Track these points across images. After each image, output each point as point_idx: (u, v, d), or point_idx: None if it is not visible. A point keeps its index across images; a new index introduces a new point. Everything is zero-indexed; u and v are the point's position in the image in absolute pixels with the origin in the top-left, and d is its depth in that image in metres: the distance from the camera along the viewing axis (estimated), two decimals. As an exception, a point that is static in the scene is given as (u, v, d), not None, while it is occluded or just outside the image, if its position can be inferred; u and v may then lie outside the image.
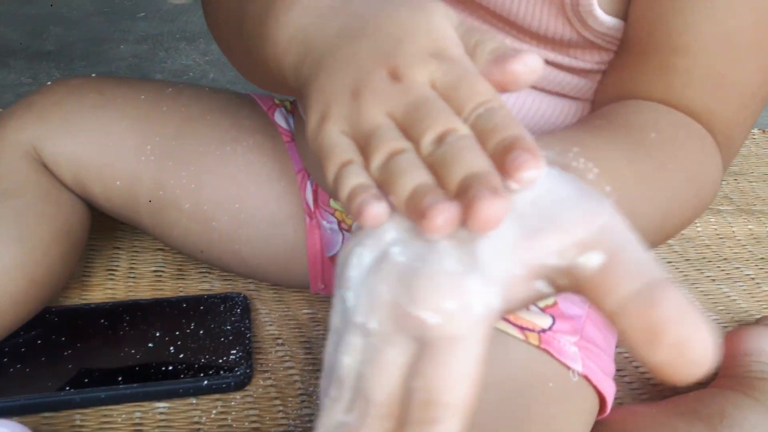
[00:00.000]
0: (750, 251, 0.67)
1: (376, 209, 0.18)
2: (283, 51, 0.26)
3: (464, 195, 0.17)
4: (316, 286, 0.54)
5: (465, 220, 0.17)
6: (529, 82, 0.21)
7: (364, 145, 0.20)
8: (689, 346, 0.15)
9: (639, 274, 0.17)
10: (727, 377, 0.47)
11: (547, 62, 0.37)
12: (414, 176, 0.19)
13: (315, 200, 0.52)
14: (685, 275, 0.62)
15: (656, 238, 0.31)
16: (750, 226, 0.71)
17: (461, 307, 0.17)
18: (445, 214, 0.17)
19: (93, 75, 0.50)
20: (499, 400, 0.33)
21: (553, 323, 0.38)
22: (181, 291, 0.57)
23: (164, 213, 0.51)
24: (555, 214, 0.18)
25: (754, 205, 0.75)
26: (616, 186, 0.23)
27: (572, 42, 0.36)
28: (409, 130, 0.20)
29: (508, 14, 0.36)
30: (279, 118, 0.53)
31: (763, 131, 0.93)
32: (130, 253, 0.60)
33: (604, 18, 0.34)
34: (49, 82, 0.53)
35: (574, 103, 0.39)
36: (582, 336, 0.39)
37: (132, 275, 0.58)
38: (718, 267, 0.64)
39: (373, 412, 0.17)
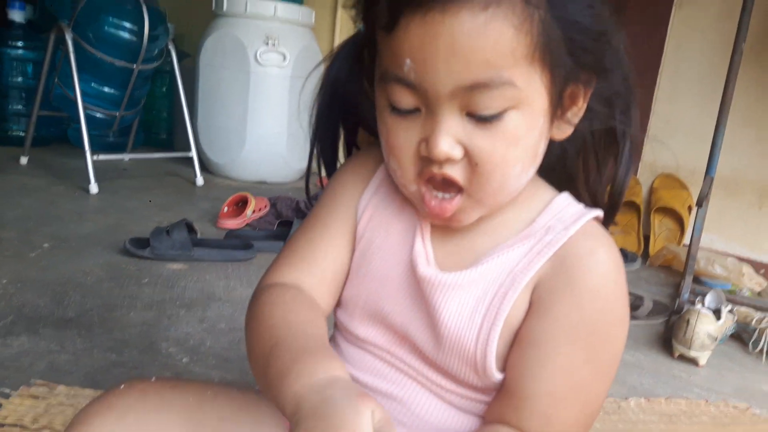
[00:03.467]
0: None
1: None
2: (284, 401, 0.45)
3: None
4: None
5: None
6: None
7: None
8: None
9: None
10: None
11: (455, 393, 0.57)
12: None
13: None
14: None
15: None
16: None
17: None
18: None
19: (153, 378, 0.69)
20: None
21: None
22: None
23: None
24: None
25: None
26: None
27: (476, 384, 0.56)
28: None
29: (442, 365, 0.56)
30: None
31: (648, 400, 1.18)
32: None
33: (498, 375, 0.53)
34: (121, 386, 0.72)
35: (466, 416, 0.58)
36: None
37: None
38: None
39: None
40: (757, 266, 2.09)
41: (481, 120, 0.47)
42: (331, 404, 0.42)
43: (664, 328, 1.54)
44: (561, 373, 0.51)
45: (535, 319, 0.52)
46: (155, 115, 3.14)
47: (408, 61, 0.46)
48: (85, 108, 2.22)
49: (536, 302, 0.52)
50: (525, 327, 0.52)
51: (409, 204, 0.59)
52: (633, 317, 1.58)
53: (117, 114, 2.42)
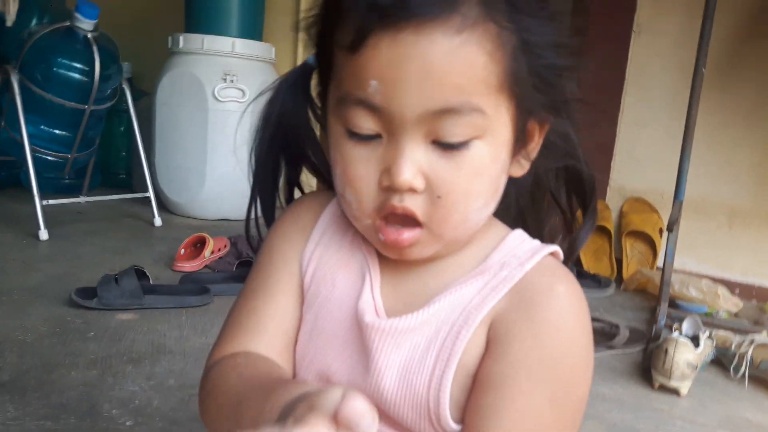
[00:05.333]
0: None
1: None
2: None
3: None
4: None
5: None
6: None
7: None
8: None
9: None
10: None
11: None
12: None
13: None
14: None
15: None
16: None
17: None
18: None
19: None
20: None
21: None
22: None
23: None
24: None
25: None
26: None
27: None
28: None
29: (397, 419, 0.50)
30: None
31: None
32: None
33: (455, 426, 0.48)
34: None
35: None
36: None
37: None
38: None
39: None
40: (731, 286, 2.06)
41: (447, 148, 0.45)
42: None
43: (642, 357, 1.48)
44: (523, 418, 0.46)
45: (493, 358, 0.47)
46: (113, 155, 3.04)
47: (374, 82, 0.43)
48: (34, 151, 2.13)
49: (494, 341, 0.48)
50: (483, 368, 0.48)
51: (358, 249, 0.55)
52: (610, 347, 1.52)
53: (69, 156, 2.32)
